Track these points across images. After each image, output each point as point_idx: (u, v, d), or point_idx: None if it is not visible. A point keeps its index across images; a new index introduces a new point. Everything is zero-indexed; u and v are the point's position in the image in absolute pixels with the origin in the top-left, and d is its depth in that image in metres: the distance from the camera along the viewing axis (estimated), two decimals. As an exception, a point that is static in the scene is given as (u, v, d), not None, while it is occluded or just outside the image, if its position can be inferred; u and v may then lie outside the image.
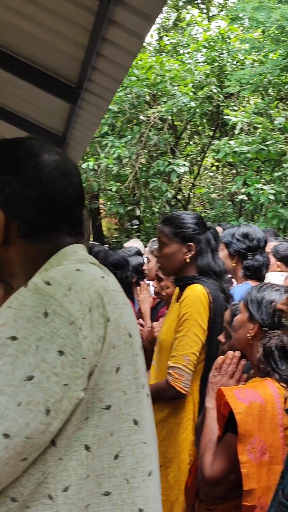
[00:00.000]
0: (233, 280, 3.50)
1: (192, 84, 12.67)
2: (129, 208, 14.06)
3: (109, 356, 1.10)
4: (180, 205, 14.94)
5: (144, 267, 4.40)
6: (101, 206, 15.95)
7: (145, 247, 6.03)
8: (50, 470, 1.05)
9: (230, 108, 12.73)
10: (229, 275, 3.33)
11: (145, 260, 4.52)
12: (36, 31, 3.71)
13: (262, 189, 10.28)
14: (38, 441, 1.02)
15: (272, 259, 4.08)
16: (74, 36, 3.42)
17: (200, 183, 15.73)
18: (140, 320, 3.64)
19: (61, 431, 1.04)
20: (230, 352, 2.23)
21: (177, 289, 2.89)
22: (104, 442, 1.09)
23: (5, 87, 5.28)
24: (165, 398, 2.54)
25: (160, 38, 16.18)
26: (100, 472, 1.09)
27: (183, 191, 15.28)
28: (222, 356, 2.25)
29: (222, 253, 3.28)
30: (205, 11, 18.11)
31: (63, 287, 1.08)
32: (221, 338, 2.47)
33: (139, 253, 5.05)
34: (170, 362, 2.56)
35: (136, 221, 14.78)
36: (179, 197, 15.00)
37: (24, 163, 1.22)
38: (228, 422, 1.99)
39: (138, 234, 15.02)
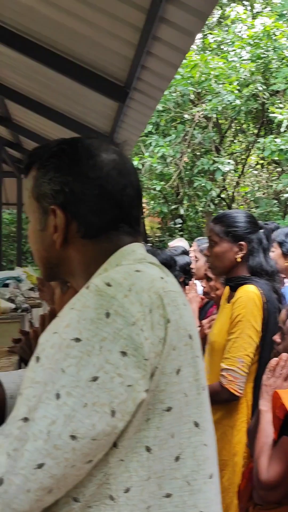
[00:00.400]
0: (285, 280, 3.45)
1: (237, 82, 12.59)
2: (173, 207, 14.05)
3: (169, 358, 1.08)
4: (224, 203, 14.88)
5: (192, 266, 4.37)
6: (144, 205, 15.99)
7: (190, 246, 6.00)
8: (111, 471, 1.04)
9: (276, 105, 12.61)
10: (281, 275, 3.29)
11: (192, 259, 4.49)
12: (86, 30, 3.73)
13: (308, 187, 10.16)
14: (104, 443, 1.01)
15: None
16: (125, 35, 3.42)
17: (244, 181, 15.62)
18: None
19: (122, 432, 1.03)
20: (284, 354, 2.19)
21: (227, 289, 2.86)
22: (165, 444, 1.08)
23: (54, 87, 5.33)
24: (219, 400, 2.51)
25: (204, 36, 16.13)
26: (161, 474, 1.07)
27: (227, 189, 15.19)
28: (275, 358, 2.21)
29: (275, 252, 3.24)
30: (249, 8, 17.96)
31: (124, 288, 1.06)
32: (277, 338, 2.42)
33: (185, 252, 5.03)
34: (224, 364, 2.53)
35: (179, 220, 14.77)
36: (223, 195, 14.93)
37: (82, 163, 1.22)
38: (284, 425, 1.96)
39: (181, 233, 15.02)
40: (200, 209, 13.69)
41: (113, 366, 1.00)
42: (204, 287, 3.62)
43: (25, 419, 0.99)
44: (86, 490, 1.03)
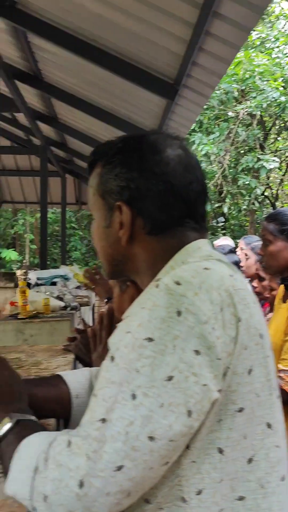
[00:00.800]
0: None
1: (282, 79, 12.46)
2: (215, 205, 13.99)
3: (241, 358, 1.06)
4: (268, 202, 14.74)
5: (242, 264, 4.31)
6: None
7: (235, 244, 5.95)
8: (183, 473, 1.02)
9: None
10: None
11: (241, 258, 4.43)
12: (136, 26, 3.71)
13: None
14: (180, 444, 0.99)
15: None
16: (176, 31, 3.39)
17: (288, 179, 15.46)
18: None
19: (195, 433, 1.02)
20: None
21: (281, 288, 2.80)
22: (238, 445, 1.05)
23: (101, 84, 5.34)
24: None
25: (248, 32, 15.97)
26: (234, 476, 1.05)
27: (271, 187, 15.05)
28: None
29: None
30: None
31: (193, 286, 1.04)
32: None
33: (233, 251, 4.98)
34: (281, 365, 2.49)
35: (221, 219, 14.70)
36: (266, 193, 14.79)
37: (148, 159, 1.21)
38: None
39: (223, 231, 14.94)
40: (244, 207, 13.58)
41: (187, 365, 0.98)
42: (255, 286, 3.56)
43: (103, 420, 0.97)
44: (158, 492, 1.02)
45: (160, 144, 1.24)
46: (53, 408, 1.44)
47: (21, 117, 8.04)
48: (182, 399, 0.97)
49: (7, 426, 1.09)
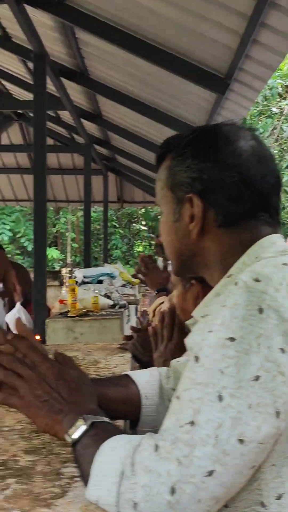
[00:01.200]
0: None
1: None
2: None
3: None
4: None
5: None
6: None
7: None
8: (263, 476, 0.98)
9: None
10: None
11: None
12: (187, 20, 3.65)
13: None
14: (268, 447, 0.95)
15: None
16: (230, 23, 3.32)
17: None
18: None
19: None
20: None
21: None
22: None
23: (148, 80, 5.31)
24: None
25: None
26: None
27: (315, 184, 14.86)
28: None
29: None
30: None
31: (274, 282, 1.01)
32: None
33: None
34: None
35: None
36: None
37: (221, 150, 1.19)
38: None
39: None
40: (287, 205, 13.43)
41: (274, 364, 0.94)
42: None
43: (192, 423, 0.93)
44: (237, 496, 0.98)
45: (232, 135, 1.21)
46: (122, 409, 1.40)
47: (64, 115, 8.07)
48: (270, 400, 0.93)
49: (82, 428, 1.04)
